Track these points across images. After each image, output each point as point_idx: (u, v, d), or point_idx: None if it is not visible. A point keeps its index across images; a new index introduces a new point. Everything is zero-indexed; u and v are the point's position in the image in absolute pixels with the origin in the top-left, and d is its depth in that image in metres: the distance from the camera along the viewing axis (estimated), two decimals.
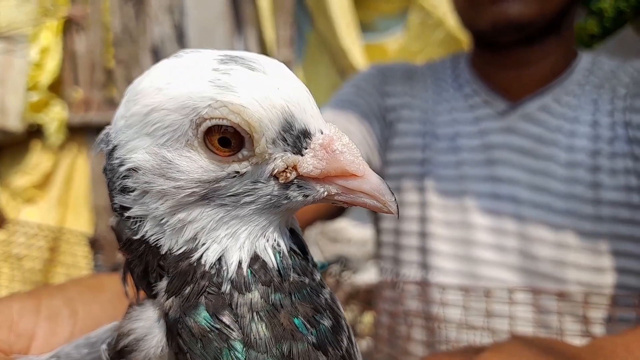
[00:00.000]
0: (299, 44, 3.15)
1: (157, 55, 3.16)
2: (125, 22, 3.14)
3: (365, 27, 2.99)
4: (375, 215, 1.20)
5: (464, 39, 2.39)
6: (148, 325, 0.31)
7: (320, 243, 2.66)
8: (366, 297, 1.46)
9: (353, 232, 2.62)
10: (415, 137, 1.09)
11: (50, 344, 0.39)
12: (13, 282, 1.34)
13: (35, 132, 2.90)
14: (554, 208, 0.95)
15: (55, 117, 2.92)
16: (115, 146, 0.31)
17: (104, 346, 0.33)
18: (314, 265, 0.33)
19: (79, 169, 3.02)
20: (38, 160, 2.90)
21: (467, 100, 1.07)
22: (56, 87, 3.06)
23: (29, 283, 1.39)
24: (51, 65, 2.97)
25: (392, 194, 0.30)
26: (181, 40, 3.12)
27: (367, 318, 1.45)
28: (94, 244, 1.57)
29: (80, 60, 3.09)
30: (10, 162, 2.92)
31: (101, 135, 0.33)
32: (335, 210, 1.07)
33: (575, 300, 0.88)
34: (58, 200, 2.88)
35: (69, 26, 3.08)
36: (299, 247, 0.33)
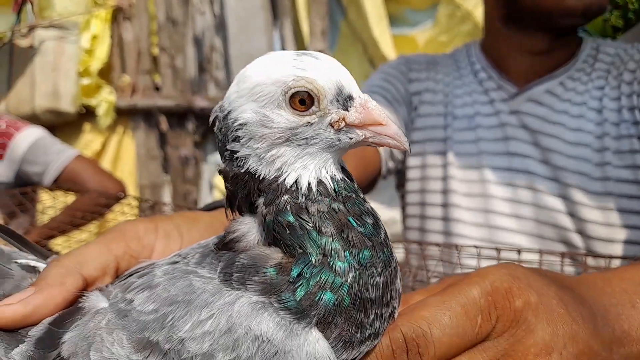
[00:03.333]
0: (332, 34, 3.26)
1: (199, 43, 3.30)
2: (169, 12, 3.28)
3: (396, 20, 3.09)
4: (402, 190, 1.34)
5: None
6: (249, 227, 0.47)
7: None
8: None
9: (382, 212, 2.73)
10: (437, 117, 1.21)
11: (165, 256, 0.53)
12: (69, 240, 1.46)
13: (86, 114, 3.10)
14: (563, 182, 1.05)
15: (104, 100, 3.11)
16: (229, 111, 0.47)
17: (214, 241, 0.49)
18: (359, 188, 0.49)
19: (126, 148, 3.23)
20: (89, 140, 3.12)
21: (482, 85, 1.19)
22: (105, 73, 3.25)
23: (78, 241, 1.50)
24: (101, 52, 3.15)
25: (406, 137, 0.46)
26: (221, 30, 3.25)
27: None
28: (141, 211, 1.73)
29: (127, 48, 3.25)
30: (63, 141, 3.12)
31: (216, 107, 0.49)
32: (367, 184, 1.19)
33: (578, 262, 0.96)
34: None
35: (118, 15, 3.24)
36: (348, 177, 0.48)
